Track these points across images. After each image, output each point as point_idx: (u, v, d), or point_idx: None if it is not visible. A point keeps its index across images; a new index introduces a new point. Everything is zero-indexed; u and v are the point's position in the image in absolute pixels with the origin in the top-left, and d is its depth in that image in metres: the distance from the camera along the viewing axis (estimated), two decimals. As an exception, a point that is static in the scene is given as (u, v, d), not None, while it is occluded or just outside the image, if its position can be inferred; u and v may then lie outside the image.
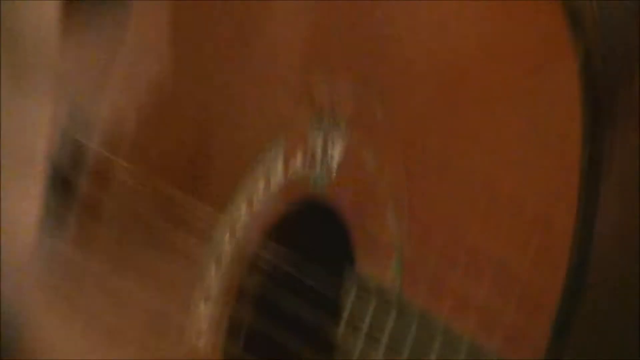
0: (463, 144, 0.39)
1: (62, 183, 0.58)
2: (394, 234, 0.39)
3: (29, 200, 0.52)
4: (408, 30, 0.42)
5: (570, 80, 0.33)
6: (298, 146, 0.45)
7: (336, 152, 0.42)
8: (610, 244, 0.37)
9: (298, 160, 0.44)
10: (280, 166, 0.45)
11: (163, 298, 0.48)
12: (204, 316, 0.46)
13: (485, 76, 0.37)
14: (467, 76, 0.38)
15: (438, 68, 0.40)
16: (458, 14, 0.38)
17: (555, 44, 0.35)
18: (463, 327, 0.37)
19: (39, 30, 0.57)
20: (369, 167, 0.42)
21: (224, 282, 0.46)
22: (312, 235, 0.44)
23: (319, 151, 0.42)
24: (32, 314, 0.57)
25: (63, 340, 0.58)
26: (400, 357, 0.41)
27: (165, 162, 0.49)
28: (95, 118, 0.57)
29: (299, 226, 0.44)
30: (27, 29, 0.57)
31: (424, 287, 0.40)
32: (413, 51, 0.41)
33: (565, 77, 0.33)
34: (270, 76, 0.47)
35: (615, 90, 0.35)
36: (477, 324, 0.36)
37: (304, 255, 0.43)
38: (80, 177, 0.58)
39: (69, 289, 0.58)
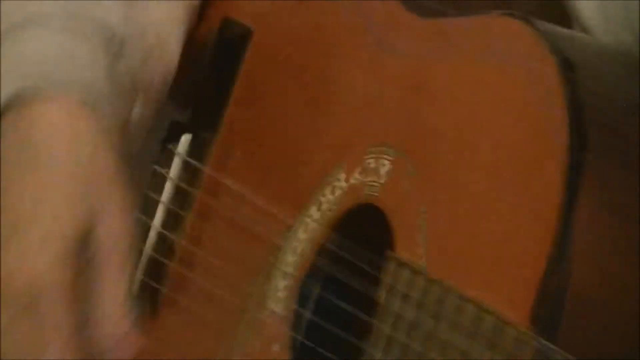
0: (471, 188, 0.56)
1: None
2: (421, 232, 0.54)
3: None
4: (444, 113, 0.59)
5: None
6: (356, 167, 0.59)
7: (384, 171, 0.57)
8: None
9: (357, 175, 0.59)
10: (343, 179, 0.60)
11: (252, 275, 0.63)
12: (283, 288, 0.62)
13: (491, 152, 0.54)
14: (478, 150, 0.55)
15: (461, 140, 0.57)
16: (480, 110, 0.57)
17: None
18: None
19: None
20: (406, 184, 0.57)
21: (299, 264, 0.61)
22: (364, 228, 0.59)
23: (372, 169, 0.58)
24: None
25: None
26: (425, 311, 0.55)
27: (264, 176, 0.67)
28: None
29: (355, 222, 0.59)
30: None
31: (440, 267, 0.56)
32: (444, 125, 0.58)
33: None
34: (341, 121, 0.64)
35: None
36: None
37: (358, 243, 0.59)
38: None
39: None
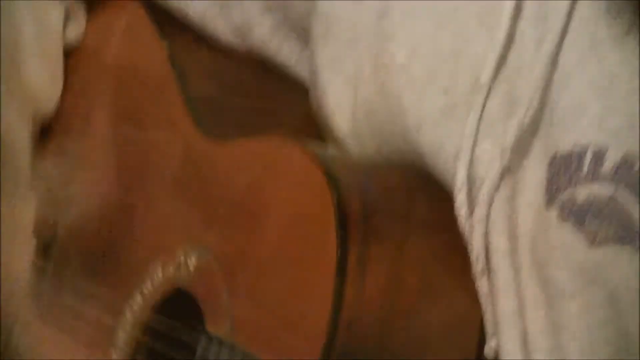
0: (262, 264, 0.67)
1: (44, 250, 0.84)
2: (227, 310, 0.66)
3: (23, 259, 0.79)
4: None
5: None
6: (170, 263, 0.71)
7: (192, 264, 0.70)
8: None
9: (170, 269, 0.71)
10: (160, 272, 0.72)
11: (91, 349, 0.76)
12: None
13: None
14: (266, 230, 0.66)
15: (250, 223, 0.69)
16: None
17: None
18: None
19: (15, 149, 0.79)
20: (210, 272, 0.69)
21: (127, 339, 0.73)
22: (182, 311, 0.70)
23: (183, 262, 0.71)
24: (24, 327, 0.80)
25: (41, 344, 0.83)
26: None
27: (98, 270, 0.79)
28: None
29: (173, 305, 0.70)
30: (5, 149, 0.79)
31: (246, 338, 0.65)
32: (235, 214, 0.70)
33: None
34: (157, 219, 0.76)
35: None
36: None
37: (176, 321, 0.70)
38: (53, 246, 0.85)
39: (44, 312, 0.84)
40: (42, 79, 0.88)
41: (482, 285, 0.71)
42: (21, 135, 0.87)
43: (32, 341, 0.84)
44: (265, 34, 0.86)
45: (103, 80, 0.86)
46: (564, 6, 0.70)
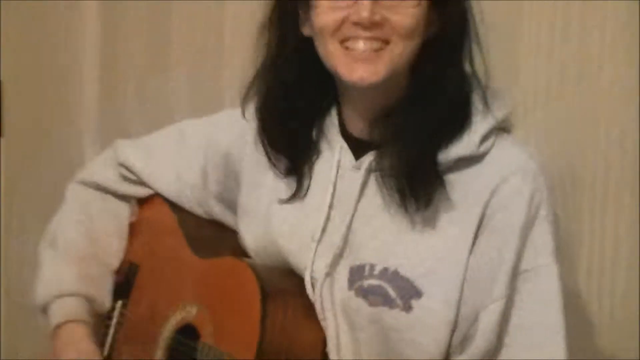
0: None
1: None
2: (210, 331, 1.41)
3: None
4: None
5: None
6: (181, 310, 1.47)
7: (193, 310, 1.45)
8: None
9: (181, 313, 1.47)
10: (177, 314, 1.48)
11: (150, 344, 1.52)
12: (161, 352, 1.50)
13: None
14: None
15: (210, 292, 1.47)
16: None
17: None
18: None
19: None
20: (202, 313, 1.43)
21: (164, 344, 1.49)
22: (188, 332, 1.45)
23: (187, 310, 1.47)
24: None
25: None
26: None
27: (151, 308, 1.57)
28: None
29: (183, 330, 1.46)
30: None
31: (221, 344, 1.39)
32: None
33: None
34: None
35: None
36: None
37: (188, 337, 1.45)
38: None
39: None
40: (117, 247, 1.70)
41: (324, 325, 1.36)
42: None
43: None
44: (218, 213, 1.65)
45: (149, 237, 1.69)
46: (355, 194, 1.37)
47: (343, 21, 1.34)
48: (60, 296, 1.61)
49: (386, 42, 1.33)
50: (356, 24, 1.32)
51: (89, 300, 1.62)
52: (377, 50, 1.33)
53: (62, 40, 2.72)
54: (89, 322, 1.61)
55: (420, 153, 1.36)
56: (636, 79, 1.72)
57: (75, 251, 1.66)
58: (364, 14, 1.30)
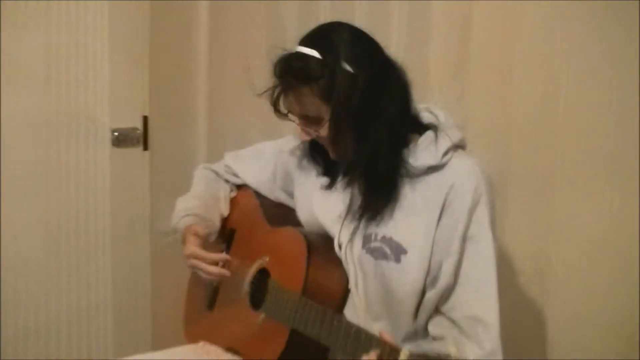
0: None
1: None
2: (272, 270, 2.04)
3: None
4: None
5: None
6: (260, 259, 2.09)
7: (264, 260, 2.07)
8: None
9: (260, 261, 2.09)
10: (257, 262, 2.10)
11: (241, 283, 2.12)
12: (246, 287, 2.10)
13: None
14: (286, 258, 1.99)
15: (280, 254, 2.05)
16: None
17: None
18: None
19: None
20: (270, 261, 2.07)
21: (248, 282, 2.11)
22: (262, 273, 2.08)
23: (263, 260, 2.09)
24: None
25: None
26: (290, 301, 1.86)
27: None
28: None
29: (260, 272, 2.09)
30: None
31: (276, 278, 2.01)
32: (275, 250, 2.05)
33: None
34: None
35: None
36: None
37: (262, 274, 2.09)
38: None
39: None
40: (223, 206, 2.29)
41: (347, 271, 1.85)
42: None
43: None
44: (283, 199, 2.21)
45: (241, 212, 2.28)
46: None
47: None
48: (184, 216, 2.15)
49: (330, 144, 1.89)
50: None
51: (200, 217, 2.16)
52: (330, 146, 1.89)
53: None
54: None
55: (390, 175, 1.85)
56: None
57: (199, 197, 2.21)
58: (304, 137, 1.89)
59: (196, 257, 2.05)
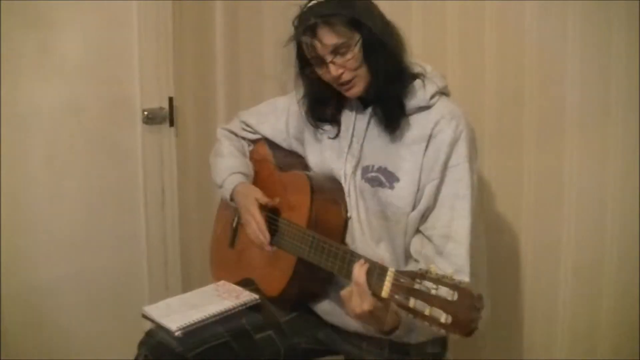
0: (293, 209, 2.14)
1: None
2: (283, 209, 2.22)
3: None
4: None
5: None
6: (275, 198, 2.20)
7: (277, 199, 2.24)
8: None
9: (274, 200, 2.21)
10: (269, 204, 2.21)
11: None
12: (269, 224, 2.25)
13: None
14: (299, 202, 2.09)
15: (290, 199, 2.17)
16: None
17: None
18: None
19: None
20: (281, 201, 2.19)
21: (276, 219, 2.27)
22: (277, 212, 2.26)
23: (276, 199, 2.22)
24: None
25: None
26: (301, 232, 2.01)
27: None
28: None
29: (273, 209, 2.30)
30: None
31: (288, 215, 2.16)
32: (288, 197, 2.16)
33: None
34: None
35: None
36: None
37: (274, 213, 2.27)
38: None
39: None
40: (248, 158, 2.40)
41: (348, 200, 2.01)
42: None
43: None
44: (295, 147, 2.32)
45: (256, 162, 2.42)
46: (364, 127, 2.03)
47: (331, 78, 1.99)
48: (230, 174, 2.27)
49: (353, 78, 1.97)
50: (334, 77, 1.97)
51: (245, 175, 2.28)
52: (351, 82, 1.97)
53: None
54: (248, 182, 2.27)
55: (390, 103, 1.98)
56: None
57: (232, 155, 2.33)
58: (333, 72, 1.97)
59: (257, 223, 2.16)
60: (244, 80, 3.15)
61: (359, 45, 1.91)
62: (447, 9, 2.36)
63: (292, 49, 2.03)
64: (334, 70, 1.92)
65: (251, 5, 3.02)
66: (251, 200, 2.17)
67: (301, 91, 2.10)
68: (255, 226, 2.13)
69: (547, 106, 2.15)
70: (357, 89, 1.96)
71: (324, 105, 2.09)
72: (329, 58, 1.93)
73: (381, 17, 1.98)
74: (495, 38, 2.25)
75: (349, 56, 1.91)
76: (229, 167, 2.31)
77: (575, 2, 2.05)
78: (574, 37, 2.06)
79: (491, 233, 2.19)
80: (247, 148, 2.44)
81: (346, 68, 1.92)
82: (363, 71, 1.94)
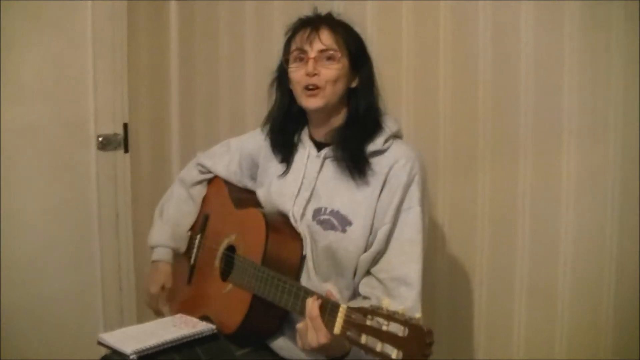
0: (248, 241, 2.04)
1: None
2: (239, 247, 2.09)
3: None
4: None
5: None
6: (227, 238, 2.13)
7: (233, 237, 2.13)
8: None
9: (229, 239, 2.16)
10: (228, 239, 2.11)
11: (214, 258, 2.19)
12: (218, 260, 2.16)
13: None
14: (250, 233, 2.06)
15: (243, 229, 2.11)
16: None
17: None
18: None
19: None
20: (236, 239, 2.11)
21: (219, 257, 2.16)
22: (232, 249, 2.13)
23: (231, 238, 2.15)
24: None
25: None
26: (255, 271, 1.89)
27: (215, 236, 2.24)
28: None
29: (228, 248, 2.14)
30: None
31: (243, 253, 2.03)
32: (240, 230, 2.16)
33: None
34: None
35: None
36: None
37: (230, 252, 2.13)
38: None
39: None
40: (193, 218, 2.34)
41: (303, 241, 1.90)
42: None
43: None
44: (249, 185, 2.24)
45: (213, 200, 2.32)
46: (317, 170, 1.94)
47: (303, 74, 1.88)
48: (158, 245, 2.24)
49: (321, 87, 1.87)
50: (307, 74, 1.87)
51: (173, 249, 2.25)
52: (317, 89, 1.87)
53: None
54: (170, 262, 2.25)
55: (357, 148, 1.88)
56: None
57: (172, 221, 2.26)
58: (309, 68, 1.86)
59: (152, 300, 2.26)
60: (198, 106, 3.09)
61: (346, 66, 1.89)
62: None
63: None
64: (311, 67, 1.86)
65: (207, 31, 2.98)
66: (159, 283, 2.26)
67: (272, 102, 2.04)
68: (154, 307, 2.28)
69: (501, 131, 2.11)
70: (317, 101, 1.88)
71: (286, 129, 2.03)
72: (313, 54, 1.87)
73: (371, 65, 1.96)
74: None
75: (332, 65, 1.86)
76: (161, 235, 2.28)
77: (528, 26, 1.99)
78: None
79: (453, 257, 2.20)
80: (201, 195, 2.37)
81: (322, 74, 1.86)
82: (334, 90, 1.89)
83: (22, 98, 3.05)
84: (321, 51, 1.87)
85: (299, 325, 1.66)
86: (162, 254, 2.25)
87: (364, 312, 1.48)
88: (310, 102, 1.90)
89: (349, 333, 1.50)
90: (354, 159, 1.87)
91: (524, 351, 2.08)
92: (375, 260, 1.85)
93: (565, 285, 1.97)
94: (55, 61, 3.09)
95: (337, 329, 1.54)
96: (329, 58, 1.87)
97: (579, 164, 1.93)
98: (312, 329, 1.62)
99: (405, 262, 1.81)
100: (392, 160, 1.85)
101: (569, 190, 1.95)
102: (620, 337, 1.86)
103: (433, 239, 2.15)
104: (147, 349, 1.90)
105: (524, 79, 2.01)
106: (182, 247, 2.28)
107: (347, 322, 1.52)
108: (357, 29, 1.94)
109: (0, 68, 2.91)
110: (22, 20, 2.98)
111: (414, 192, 1.84)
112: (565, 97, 1.92)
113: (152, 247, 2.26)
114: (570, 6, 1.89)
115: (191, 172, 2.34)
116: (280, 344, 1.98)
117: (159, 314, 2.22)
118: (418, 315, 1.55)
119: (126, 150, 3.33)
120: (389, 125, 1.91)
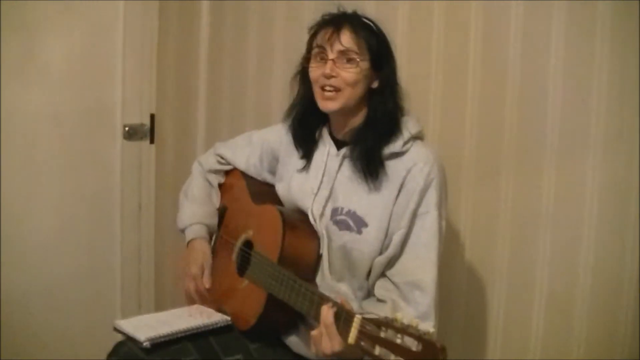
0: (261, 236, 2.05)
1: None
2: (256, 243, 2.07)
3: None
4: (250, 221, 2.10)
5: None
6: (245, 233, 2.13)
7: (250, 233, 2.10)
8: None
9: (247, 234, 2.12)
10: (246, 234, 2.09)
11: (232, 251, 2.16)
12: (236, 254, 2.14)
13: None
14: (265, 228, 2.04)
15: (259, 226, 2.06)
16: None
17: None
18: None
19: None
20: (253, 234, 2.09)
21: (238, 249, 2.14)
22: (249, 245, 2.10)
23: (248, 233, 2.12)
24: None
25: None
26: (271, 268, 1.87)
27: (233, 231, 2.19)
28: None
29: (245, 244, 2.12)
30: None
31: (260, 249, 2.00)
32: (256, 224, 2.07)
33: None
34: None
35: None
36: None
37: (248, 247, 2.10)
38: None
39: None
40: (216, 199, 2.30)
41: (320, 240, 1.88)
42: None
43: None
44: (268, 179, 2.22)
45: (231, 192, 2.30)
46: (336, 169, 1.90)
47: (321, 75, 1.85)
48: (192, 224, 2.19)
49: (339, 89, 1.84)
50: (324, 75, 1.83)
51: (206, 226, 2.21)
52: (335, 92, 1.84)
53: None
54: (207, 238, 2.20)
55: (372, 150, 1.83)
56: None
57: (197, 201, 2.23)
58: (327, 70, 1.83)
59: (196, 284, 2.17)
60: (225, 100, 3.06)
61: (366, 69, 1.84)
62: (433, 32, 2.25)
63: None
64: (328, 69, 1.82)
65: (237, 24, 2.95)
66: (198, 262, 2.16)
67: (295, 93, 2.00)
68: (193, 287, 2.15)
69: (526, 136, 2.06)
70: (334, 104, 1.84)
71: (307, 123, 2.00)
72: (332, 55, 1.83)
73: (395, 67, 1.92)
74: (479, 59, 2.15)
75: (351, 68, 1.82)
76: (193, 214, 2.23)
77: (559, 32, 1.96)
78: (556, 69, 1.96)
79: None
80: (218, 182, 2.32)
81: (340, 76, 1.82)
82: (352, 93, 1.85)
83: (51, 85, 3.01)
84: (341, 52, 1.83)
85: (313, 333, 1.65)
86: (198, 231, 2.20)
87: (378, 323, 1.46)
88: (326, 105, 1.87)
89: (362, 343, 1.49)
90: (368, 161, 1.84)
91: (540, 358, 2.05)
92: (391, 263, 1.82)
93: (584, 294, 1.94)
94: (85, 50, 3.06)
95: (351, 338, 1.53)
96: (349, 60, 1.83)
97: (603, 173, 1.89)
98: (326, 337, 1.61)
99: (420, 267, 1.78)
100: (410, 163, 1.82)
101: (592, 199, 1.90)
102: (638, 345, 1.82)
103: (454, 243, 2.12)
104: (161, 337, 1.91)
105: (552, 86, 1.96)
106: (214, 225, 2.25)
107: (362, 333, 1.51)
108: (383, 28, 1.89)
109: (29, 55, 2.92)
110: (54, 8, 2.95)
111: (431, 196, 1.80)
112: (592, 105, 1.87)
113: (184, 230, 2.22)
114: (602, 13, 1.84)
115: (209, 159, 2.31)
116: (295, 340, 1.96)
117: (191, 300, 2.16)
118: (432, 325, 1.60)
119: (152, 141, 3.29)
120: (409, 127, 1.87)
